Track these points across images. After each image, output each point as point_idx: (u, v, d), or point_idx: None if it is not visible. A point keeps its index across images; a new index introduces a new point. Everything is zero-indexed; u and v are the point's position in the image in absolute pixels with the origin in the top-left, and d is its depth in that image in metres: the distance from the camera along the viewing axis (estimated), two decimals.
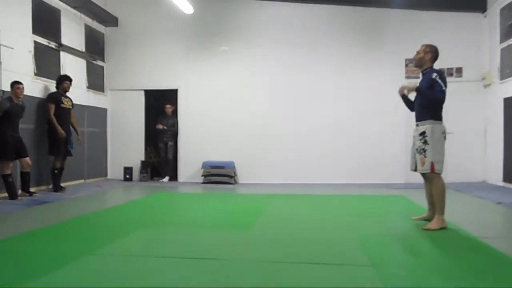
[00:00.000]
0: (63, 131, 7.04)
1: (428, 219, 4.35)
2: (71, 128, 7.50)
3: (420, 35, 8.44)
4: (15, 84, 6.34)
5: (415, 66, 4.59)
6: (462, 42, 8.61)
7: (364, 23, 8.95)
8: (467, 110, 8.58)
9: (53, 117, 7.03)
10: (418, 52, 4.43)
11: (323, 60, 9.04)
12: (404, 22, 8.73)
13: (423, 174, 4.35)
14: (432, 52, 4.38)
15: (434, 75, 4.18)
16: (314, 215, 5.13)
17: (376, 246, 3.56)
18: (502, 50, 7.89)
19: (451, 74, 8.61)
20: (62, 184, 7.42)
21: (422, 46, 4.44)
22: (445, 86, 4.18)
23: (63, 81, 7.36)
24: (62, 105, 7.25)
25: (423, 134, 4.19)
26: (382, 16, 8.83)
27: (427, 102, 4.21)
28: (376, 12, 8.87)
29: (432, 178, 4.22)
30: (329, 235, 4.01)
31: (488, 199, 6.11)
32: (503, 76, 7.86)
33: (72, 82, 7.97)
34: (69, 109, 7.43)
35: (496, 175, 8.02)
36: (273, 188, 8.06)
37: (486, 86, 8.52)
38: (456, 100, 8.73)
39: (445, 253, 3.38)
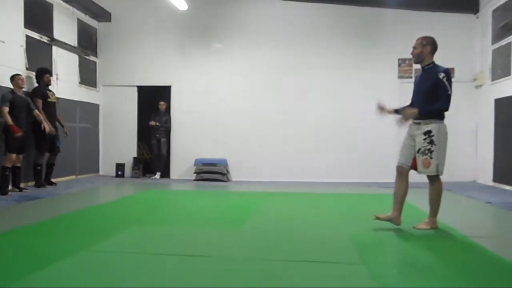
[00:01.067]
0: (52, 128, 6.91)
1: (391, 220, 4.07)
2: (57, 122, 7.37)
3: (413, 35, 8.34)
4: (16, 76, 6.34)
5: (415, 62, 4.21)
6: (454, 43, 8.65)
7: (357, 23, 8.98)
8: (458, 111, 8.59)
9: (42, 112, 6.87)
10: (415, 47, 4.11)
11: (317, 59, 9.06)
12: (397, 22, 8.78)
13: (401, 171, 4.08)
14: (430, 44, 4.08)
15: (442, 75, 3.89)
16: (306, 213, 5.15)
17: (368, 245, 3.59)
18: (494, 51, 7.96)
19: None
20: (53, 180, 7.38)
21: (418, 39, 4.13)
22: (451, 88, 3.89)
23: (43, 75, 7.09)
24: (49, 100, 7.08)
25: (428, 133, 3.90)
26: (375, 15, 8.87)
27: (432, 103, 3.93)
28: (369, 12, 8.91)
29: (432, 180, 4.03)
30: (321, 233, 4.02)
31: (478, 199, 6.18)
32: (495, 77, 7.93)
33: (64, 77, 7.91)
34: (55, 103, 7.25)
35: (486, 175, 8.11)
36: (266, 186, 8.07)
37: (477, 86, 8.60)
38: None
39: (436, 251, 3.41)
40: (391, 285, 2.65)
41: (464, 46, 8.70)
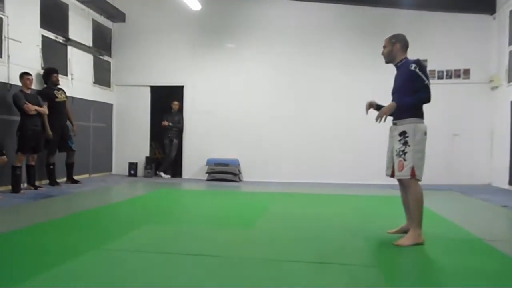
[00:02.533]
0: (51, 133, 6.77)
1: (407, 231, 3.74)
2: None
3: (428, 36, 8.45)
4: (25, 75, 6.36)
5: (387, 62, 3.98)
6: (470, 44, 8.57)
7: (371, 23, 8.89)
8: (474, 112, 8.54)
9: (45, 117, 6.71)
10: (384, 46, 3.93)
11: (329, 60, 9.02)
12: (412, 23, 8.67)
13: (399, 180, 3.78)
14: (400, 41, 3.85)
15: (413, 66, 3.62)
16: (319, 214, 5.12)
17: (381, 247, 3.55)
18: (511, 52, 7.83)
19: (458, 76, 8.58)
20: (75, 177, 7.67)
21: (386, 38, 3.93)
22: (427, 78, 3.62)
23: (51, 74, 7.05)
24: (57, 100, 7.04)
25: (403, 134, 3.65)
26: (389, 16, 8.76)
27: (409, 99, 3.66)
28: (384, 12, 8.82)
29: (409, 185, 3.66)
30: (333, 235, 3.99)
31: (493, 202, 6.08)
32: (511, 78, 7.81)
33: (79, 77, 7.95)
34: (64, 101, 7.22)
35: (501, 178, 7.97)
36: (277, 186, 8.06)
37: (493, 88, 8.47)
38: (462, 102, 8.77)
39: (451, 255, 3.36)
40: None
41: (480, 47, 8.57)
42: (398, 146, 3.68)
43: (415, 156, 3.59)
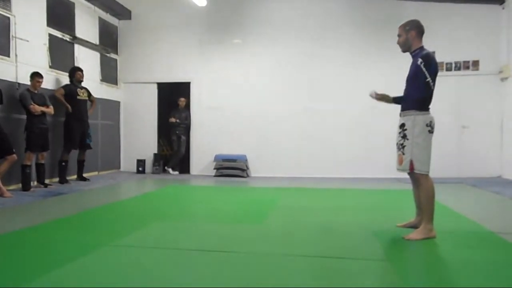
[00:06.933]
0: (68, 105, 7.09)
1: (416, 226, 3.72)
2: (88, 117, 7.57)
3: (437, 28, 8.34)
4: (36, 77, 6.39)
5: (403, 51, 3.80)
6: (479, 35, 8.46)
7: (379, 16, 8.81)
8: (484, 104, 8.45)
9: (60, 96, 7.09)
10: (399, 35, 3.75)
11: (337, 54, 8.95)
12: (420, 14, 8.45)
13: (409, 174, 3.70)
14: (414, 28, 3.68)
15: (419, 61, 3.51)
16: (327, 209, 5.10)
17: (391, 241, 3.53)
18: None
19: (467, 67, 8.49)
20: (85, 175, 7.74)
21: (400, 26, 3.76)
22: (433, 73, 3.50)
23: (75, 72, 7.38)
24: (78, 97, 7.28)
25: (402, 126, 3.60)
26: (397, 7, 8.68)
27: (412, 92, 3.62)
28: (392, 4, 8.74)
29: (417, 179, 3.60)
30: (342, 229, 3.98)
31: (504, 195, 6.02)
32: None
33: (86, 75, 8.00)
34: (85, 100, 7.47)
35: None
36: (285, 181, 8.05)
37: (503, 79, 8.36)
38: (472, 93, 8.68)
39: (462, 248, 3.33)
40: (417, 282, 2.60)
41: (489, 37, 8.46)
42: (398, 139, 3.67)
43: (414, 149, 3.50)
